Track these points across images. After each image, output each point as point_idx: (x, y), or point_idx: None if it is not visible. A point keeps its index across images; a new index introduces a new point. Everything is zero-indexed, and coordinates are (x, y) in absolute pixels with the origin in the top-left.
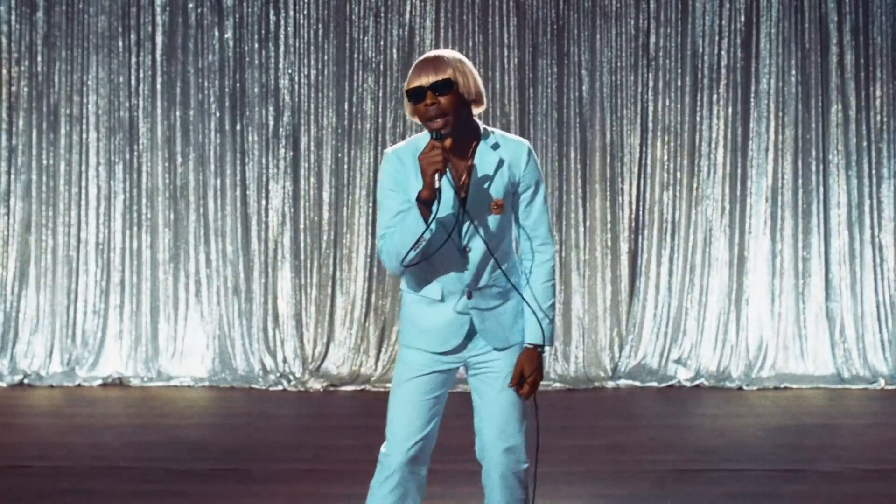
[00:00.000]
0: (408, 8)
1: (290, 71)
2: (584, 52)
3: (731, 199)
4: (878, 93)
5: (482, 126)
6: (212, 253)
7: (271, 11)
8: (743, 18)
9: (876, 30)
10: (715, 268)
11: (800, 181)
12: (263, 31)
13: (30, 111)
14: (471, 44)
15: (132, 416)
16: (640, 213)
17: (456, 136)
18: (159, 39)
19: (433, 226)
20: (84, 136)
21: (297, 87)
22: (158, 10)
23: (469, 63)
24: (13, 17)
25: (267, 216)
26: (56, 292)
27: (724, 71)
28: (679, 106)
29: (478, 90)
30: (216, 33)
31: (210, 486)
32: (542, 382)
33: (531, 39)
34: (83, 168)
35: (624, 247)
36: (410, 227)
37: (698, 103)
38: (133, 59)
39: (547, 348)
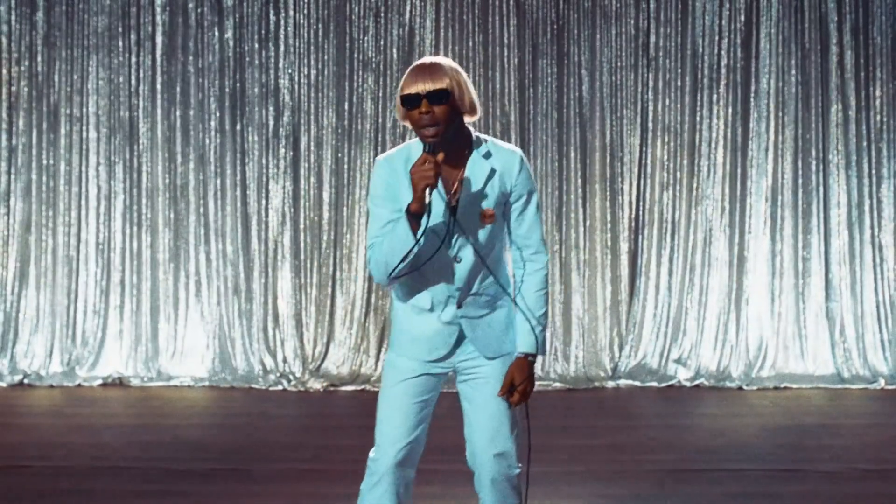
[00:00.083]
0: (408, 8)
1: (290, 71)
2: (584, 52)
3: (730, 198)
4: (877, 93)
5: (475, 134)
6: (212, 253)
7: (271, 11)
8: (743, 18)
9: (876, 30)
10: (715, 268)
11: (800, 181)
12: (263, 31)
13: (30, 111)
14: (471, 44)
15: (132, 416)
16: (640, 212)
17: (448, 145)
18: (159, 39)
19: (423, 240)
20: (84, 135)
21: (297, 87)
22: (158, 10)
23: (464, 73)
24: (13, 17)
25: (267, 216)
26: (56, 292)
27: (724, 71)
28: (679, 106)
29: (472, 101)
30: (216, 33)
31: (210, 486)
32: (542, 382)
33: (531, 39)
34: (83, 168)
35: (624, 247)
36: (400, 240)
37: (698, 103)
38: (133, 59)
39: (539, 357)
